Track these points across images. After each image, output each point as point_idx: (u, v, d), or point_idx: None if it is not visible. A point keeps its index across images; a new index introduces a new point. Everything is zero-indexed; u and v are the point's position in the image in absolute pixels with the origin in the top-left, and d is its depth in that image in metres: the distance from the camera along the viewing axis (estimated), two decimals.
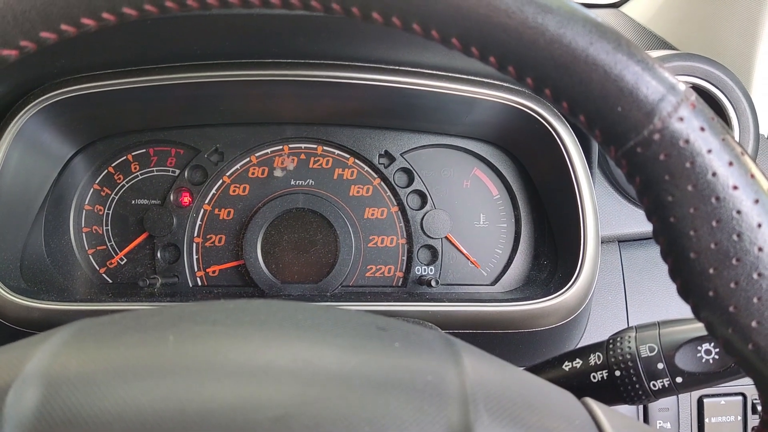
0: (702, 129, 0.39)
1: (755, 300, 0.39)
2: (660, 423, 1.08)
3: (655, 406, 1.08)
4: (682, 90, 0.40)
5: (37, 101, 0.95)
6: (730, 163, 0.39)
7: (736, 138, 1.08)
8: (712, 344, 0.67)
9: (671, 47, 1.31)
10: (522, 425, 0.38)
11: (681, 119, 0.39)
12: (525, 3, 0.39)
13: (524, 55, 0.40)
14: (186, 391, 0.37)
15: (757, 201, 0.39)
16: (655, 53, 1.12)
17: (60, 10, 0.41)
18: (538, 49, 0.40)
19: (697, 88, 1.08)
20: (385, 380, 0.39)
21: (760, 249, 0.39)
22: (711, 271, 0.40)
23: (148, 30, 0.86)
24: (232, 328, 0.44)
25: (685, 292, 0.42)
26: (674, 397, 1.08)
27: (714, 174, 0.39)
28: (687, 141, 0.39)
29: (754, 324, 0.40)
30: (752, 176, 0.40)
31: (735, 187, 0.39)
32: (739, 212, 0.39)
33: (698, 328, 0.68)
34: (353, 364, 0.40)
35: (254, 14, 0.79)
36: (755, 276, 0.39)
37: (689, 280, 0.41)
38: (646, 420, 1.08)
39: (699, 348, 0.67)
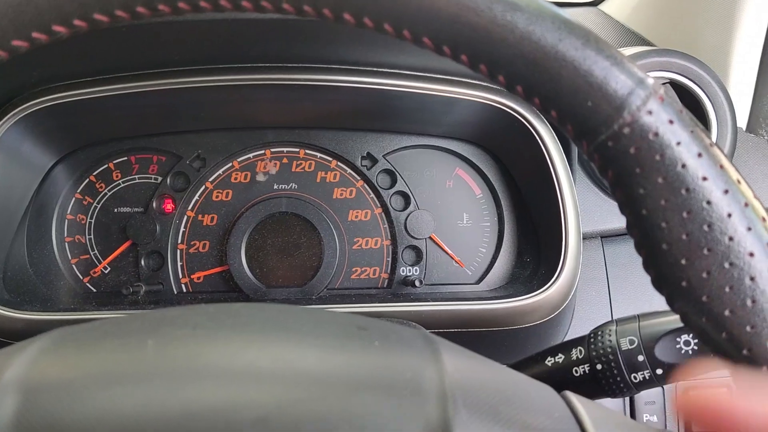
0: (671, 122, 0.40)
1: (727, 289, 0.40)
2: (647, 416, 1.09)
3: (641, 400, 1.08)
4: (650, 84, 0.40)
5: (15, 111, 0.94)
6: (699, 155, 0.40)
7: (714, 132, 1.09)
8: (691, 335, 0.67)
9: (649, 44, 1.32)
10: (500, 420, 0.39)
11: (650, 112, 0.40)
12: (493, 1, 0.40)
13: (495, 52, 0.41)
14: (166, 394, 0.37)
15: (726, 191, 0.40)
16: (633, 49, 1.13)
17: (31, 18, 0.41)
18: (508, 46, 0.40)
19: (674, 84, 1.10)
20: (363, 379, 0.40)
21: (731, 239, 0.40)
22: (683, 261, 0.40)
23: (126, 37, 0.85)
24: (212, 332, 0.44)
25: (658, 283, 0.43)
26: (660, 390, 1.09)
27: (683, 165, 0.40)
28: (656, 134, 0.40)
29: (727, 313, 0.40)
30: (721, 167, 0.40)
31: (704, 178, 0.40)
32: (709, 203, 0.40)
33: (677, 320, 0.68)
34: (333, 364, 0.41)
35: (229, 19, 0.79)
36: (726, 265, 0.40)
37: (662, 271, 0.42)
38: (633, 413, 1.08)
39: (678, 339, 0.68)
